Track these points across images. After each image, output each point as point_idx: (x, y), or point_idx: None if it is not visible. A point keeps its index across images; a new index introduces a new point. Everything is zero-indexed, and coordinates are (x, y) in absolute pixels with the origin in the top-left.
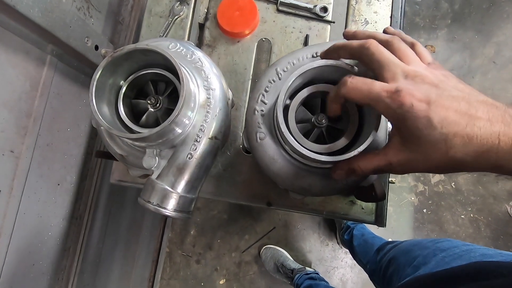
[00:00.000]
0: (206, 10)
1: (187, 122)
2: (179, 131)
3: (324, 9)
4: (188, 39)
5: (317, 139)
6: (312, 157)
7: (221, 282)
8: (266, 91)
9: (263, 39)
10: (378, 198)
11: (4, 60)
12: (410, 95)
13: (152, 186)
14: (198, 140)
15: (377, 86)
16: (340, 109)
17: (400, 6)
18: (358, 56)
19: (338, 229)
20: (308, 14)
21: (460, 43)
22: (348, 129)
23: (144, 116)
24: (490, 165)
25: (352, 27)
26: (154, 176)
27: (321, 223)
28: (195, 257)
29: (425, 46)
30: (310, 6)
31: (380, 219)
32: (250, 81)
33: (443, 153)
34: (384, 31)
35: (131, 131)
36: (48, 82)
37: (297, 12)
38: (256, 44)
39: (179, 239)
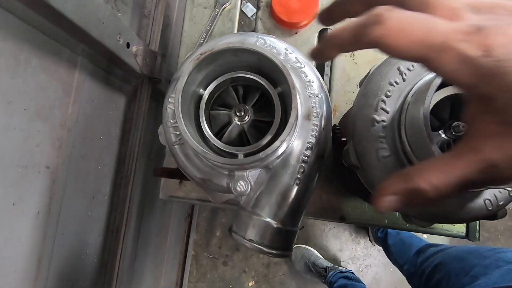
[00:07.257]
0: None
1: (291, 139)
2: (281, 151)
3: None
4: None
5: None
6: None
7: (250, 284)
8: (387, 96)
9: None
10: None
11: (36, 64)
12: (502, 34)
13: (250, 218)
14: (305, 160)
15: (442, 26)
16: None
17: None
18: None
19: (371, 227)
20: None
21: None
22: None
23: (227, 130)
24: None
25: None
26: (247, 205)
27: None
28: (222, 259)
29: None
30: None
31: (472, 232)
32: None
33: None
34: None
35: (218, 150)
36: (80, 86)
37: None
38: (316, 35)
39: (204, 241)
